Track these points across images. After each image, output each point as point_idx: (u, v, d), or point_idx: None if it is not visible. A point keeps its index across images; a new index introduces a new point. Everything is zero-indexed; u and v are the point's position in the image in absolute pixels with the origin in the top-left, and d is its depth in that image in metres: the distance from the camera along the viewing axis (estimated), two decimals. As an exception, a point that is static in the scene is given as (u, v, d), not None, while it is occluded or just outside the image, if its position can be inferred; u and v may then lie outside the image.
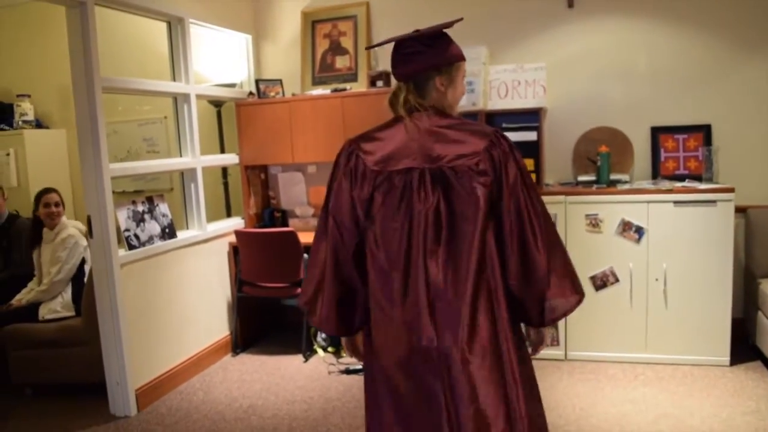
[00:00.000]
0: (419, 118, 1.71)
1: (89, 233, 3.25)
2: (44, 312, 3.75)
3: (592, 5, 3.99)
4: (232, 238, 4.21)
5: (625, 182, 3.84)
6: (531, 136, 3.89)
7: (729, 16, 3.77)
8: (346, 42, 4.48)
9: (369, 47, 2.45)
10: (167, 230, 3.73)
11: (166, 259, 3.67)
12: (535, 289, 1.68)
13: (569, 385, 3.42)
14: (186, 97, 3.93)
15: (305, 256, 3.92)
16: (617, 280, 3.64)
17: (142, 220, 3.58)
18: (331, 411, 3.26)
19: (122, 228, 3.41)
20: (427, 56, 1.70)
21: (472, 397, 1.59)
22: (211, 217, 4.29)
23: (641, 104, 3.97)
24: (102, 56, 3.18)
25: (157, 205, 3.72)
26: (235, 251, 4.23)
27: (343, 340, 1.92)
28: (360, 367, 3.30)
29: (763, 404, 3.07)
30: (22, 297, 3.90)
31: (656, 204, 3.53)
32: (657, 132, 3.95)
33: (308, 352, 4.09)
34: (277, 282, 4.01)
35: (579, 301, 1.73)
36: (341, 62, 4.49)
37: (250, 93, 4.53)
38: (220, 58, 4.55)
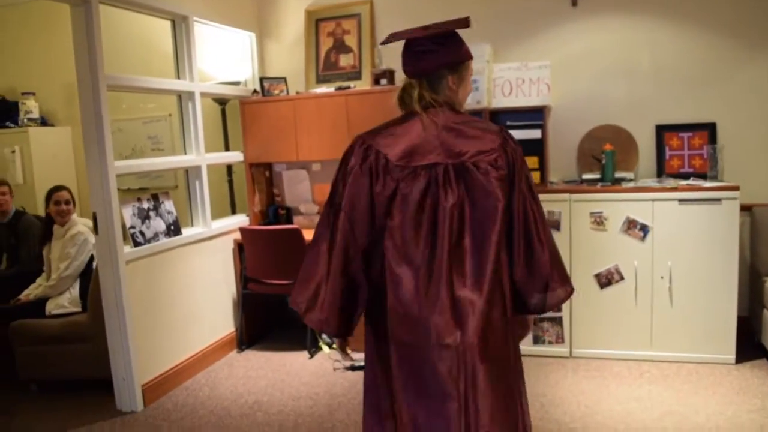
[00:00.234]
0: (435, 114, 1.71)
1: (95, 230, 3.27)
2: (51, 307, 3.77)
3: (596, 4, 3.98)
4: (237, 236, 4.22)
5: (630, 180, 3.84)
6: (535, 134, 3.90)
7: (733, 14, 3.77)
8: (350, 40, 4.49)
9: (384, 42, 2.18)
10: (172, 227, 3.75)
11: (172, 256, 3.69)
12: (538, 282, 1.75)
13: (574, 382, 3.42)
14: (190, 95, 3.94)
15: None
16: (622, 278, 3.64)
17: (148, 217, 3.59)
18: (336, 407, 3.27)
19: (128, 225, 3.43)
20: (440, 55, 1.71)
21: (485, 393, 1.61)
22: (216, 215, 4.30)
23: (645, 102, 3.96)
24: (106, 54, 3.19)
25: (162, 202, 3.74)
26: (240, 248, 4.24)
27: (338, 340, 1.86)
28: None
29: (768, 402, 3.07)
30: (30, 292, 3.93)
31: (661, 202, 3.53)
32: (662, 130, 3.94)
33: (313, 348, 4.11)
34: (281, 279, 4.02)
35: (573, 291, 1.83)
36: (345, 60, 4.50)
37: (255, 91, 4.54)
38: (225, 56, 4.56)
